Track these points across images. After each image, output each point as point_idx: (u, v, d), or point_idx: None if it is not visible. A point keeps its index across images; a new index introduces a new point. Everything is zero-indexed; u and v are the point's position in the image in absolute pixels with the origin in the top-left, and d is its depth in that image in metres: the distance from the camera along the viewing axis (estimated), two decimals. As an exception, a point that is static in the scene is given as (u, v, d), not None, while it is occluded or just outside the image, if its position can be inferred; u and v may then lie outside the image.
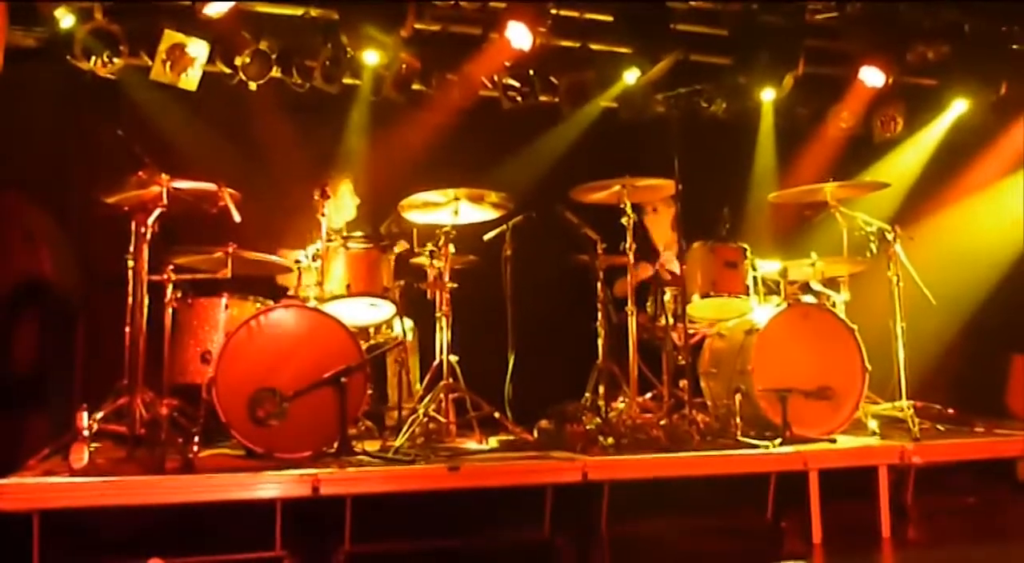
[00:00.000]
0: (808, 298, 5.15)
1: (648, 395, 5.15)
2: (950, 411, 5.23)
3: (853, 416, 4.80)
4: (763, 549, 4.07)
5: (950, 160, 6.83)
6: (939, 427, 5.01)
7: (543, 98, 6.34)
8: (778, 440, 4.43)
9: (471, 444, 4.64)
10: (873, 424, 4.88)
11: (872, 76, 6.41)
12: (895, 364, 5.00)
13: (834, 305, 5.15)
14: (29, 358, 5.13)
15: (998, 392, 6.19)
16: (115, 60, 5.44)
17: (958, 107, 6.70)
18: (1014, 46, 6.45)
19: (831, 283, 5.25)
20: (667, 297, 5.10)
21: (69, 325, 5.40)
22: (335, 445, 4.10)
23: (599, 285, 5.12)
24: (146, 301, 4.15)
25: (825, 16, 6.23)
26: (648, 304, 5.23)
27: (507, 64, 6.13)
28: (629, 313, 4.93)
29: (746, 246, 5.06)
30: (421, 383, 5.10)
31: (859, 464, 4.37)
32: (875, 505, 4.29)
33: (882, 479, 4.32)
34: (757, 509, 4.25)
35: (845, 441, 4.65)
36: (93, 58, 5.41)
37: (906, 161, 6.87)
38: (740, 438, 4.49)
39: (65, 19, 5.32)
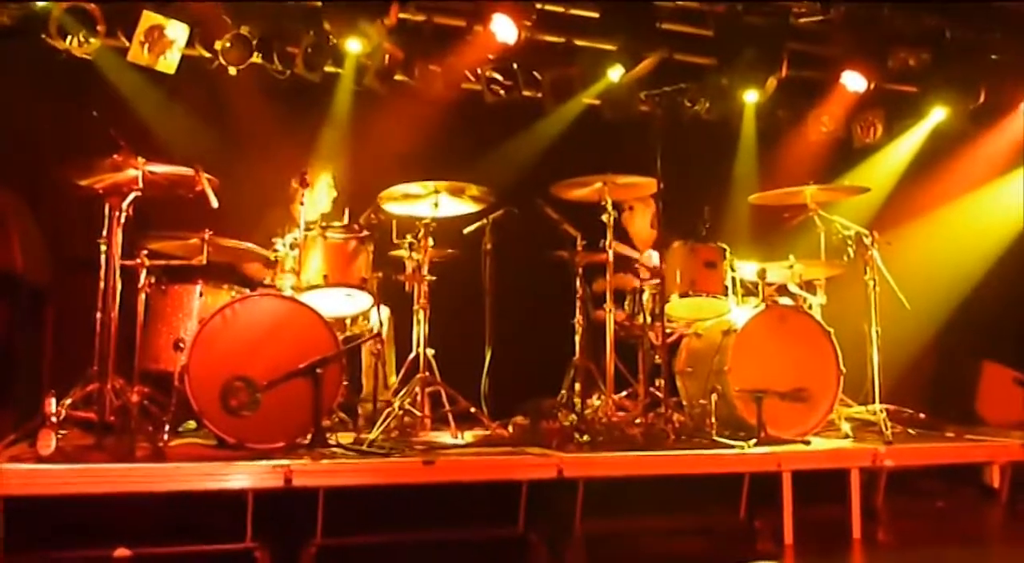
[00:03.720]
0: (785, 300, 5.17)
1: (624, 393, 5.14)
2: (922, 416, 5.28)
3: (827, 418, 4.84)
4: (736, 549, 4.08)
5: (928, 167, 6.90)
6: (911, 431, 5.06)
7: (526, 93, 6.30)
8: (752, 441, 4.44)
9: (446, 438, 4.62)
10: (846, 426, 4.92)
11: (854, 81, 6.47)
12: (869, 368, 5.04)
13: (811, 308, 5.18)
14: (-3, 343, 5.04)
15: (969, 398, 6.26)
16: (91, 40, 5.34)
17: (937, 114, 6.76)
18: (993, 55, 6.53)
19: (808, 286, 5.28)
20: (645, 296, 5.11)
21: (38, 310, 5.30)
22: (309, 436, 4.06)
23: (578, 282, 5.12)
24: (118, 286, 4.07)
25: (809, 19, 6.25)
26: (626, 302, 5.23)
27: (491, 57, 6.10)
28: (607, 310, 4.92)
29: (725, 247, 5.07)
30: (397, 376, 5.07)
31: (832, 466, 4.40)
32: (846, 507, 4.32)
33: (854, 481, 4.36)
34: (730, 509, 4.25)
35: (818, 443, 4.68)
36: (69, 37, 5.31)
37: (885, 167, 6.92)
38: (715, 438, 4.51)
39: (41, -3, 5.22)
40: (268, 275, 4.62)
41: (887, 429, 4.76)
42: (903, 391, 5.54)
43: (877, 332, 5.06)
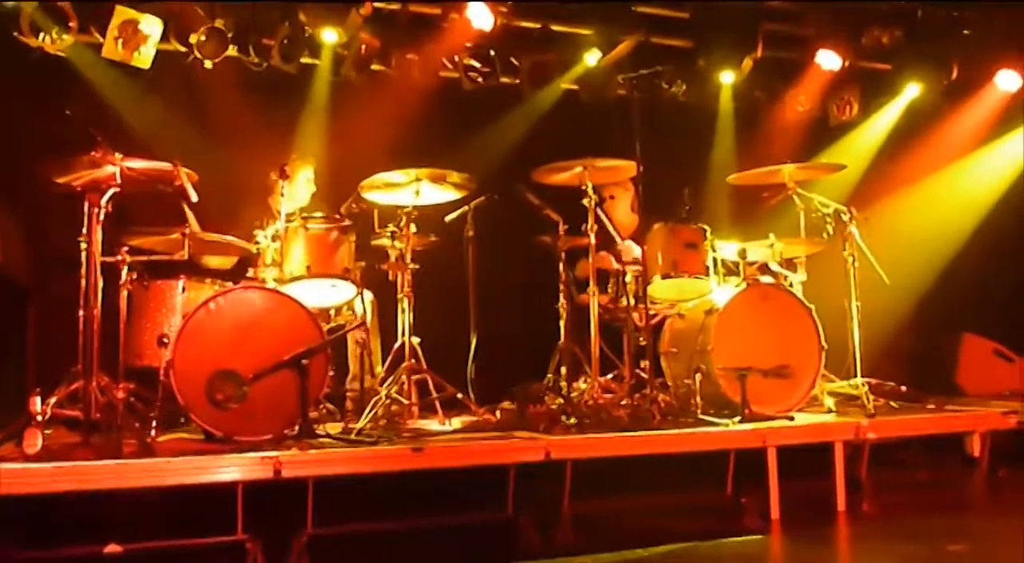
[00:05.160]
0: (766, 279, 5.21)
1: (610, 375, 5.18)
2: (903, 388, 5.35)
3: (810, 394, 4.89)
4: (723, 525, 4.13)
5: (904, 143, 6.96)
6: (892, 404, 5.13)
7: (504, 79, 6.30)
8: (737, 418, 4.50)
9: (434, 425, 4.64)
10: (829, 401, 4.98)
11: (828, 60, 6.52)
12: (850, 343, 5.11)
13: (791, 285, 5.23)
14: (-22, 343, 5.01)
15: (949, 370, 6.34)
16: (64, 37, 5.31)
17: (911, 91, 6.81)
18: (965, 31, 6.58)
19: (789, 264, 5.32)
20: (628, 278, 5.14)
21: (20, 309, 5.28)
22: (296, 427, 4.06)
23: (561, 266, 5.14)
24: (100, 284, 4.06)
25: (783, 0, 6.28)
26: (609, 285, 5.26)
27: (468, 45, 6.10)
28: (591, 294, 4.95)
29: (706, 227, 5.11)
30: (383, 365, 5.08)
31: (816, 440, 4.46)
32: (831, 480, 4.39)
33: (838, 455, 4.42)
34: (717, 486, 4.31)
35: (802, 418, 4.73)
36: (42, 34, 5.26)
37: (861, 144, 6.99)
38: (700, 417, 4.55)
39: (12, -6, 5.17)
40: (248, 268, 4.60)
41: (869, 402, 4.83)
42: (884, 365, 5.62)
43: (857, 307, 5.12)
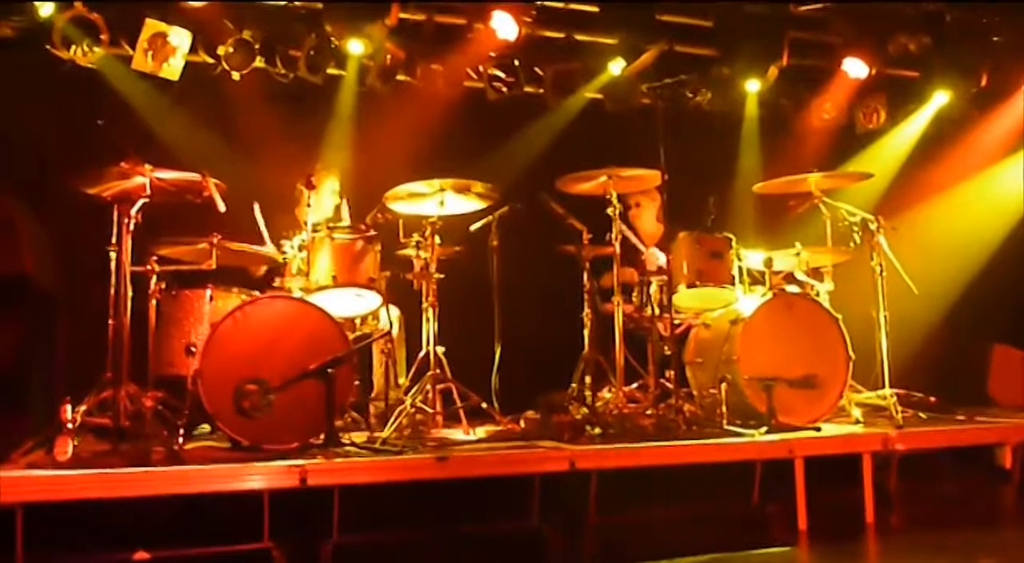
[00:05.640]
0: (792, 288, 5.18)
1: (634, 385, 5.16)
2: (932, 399, 5.28)
3: (837, 404, 4.85)
4: (750, 536, 4.09)
5: (932, 151, 6.89)
6: (921, 415, 5.07)
7: (528, 89, 6.32)
8: (763, 428, 4.46)
9: (458, 434, 4.64)
10: (857, 412, 4.93)
11: (855, 67, 6.47)
12: (878, 353, 5.04)
13: (818, 295, 5.19)
14: (10, 352, 5.07)
15: (979, 380, 6.26)
16: (95, 49, 5.39)
17: (939, 99, 6.75)
18: (994, 38, 6.51)
19: (815, 273, 5.28)
20: (653, 288, 5.12)
21: (50, 318, 5.34)
22: (322, 436, 4.08)
23: (585, 275, 5.13)
24: (130, 293, 4.11)
25: (809, 8, 6.26)
26: (634, 294, 5.24)
27: (492, 55, 6.12)
28: (615, 303, 4.94)
29: (731, 236, 5.09)
30: (407, 374, 5.09)
31: (843, 451, 4.41)
32: (859, 492, 4.33)
33: (866, 466, 4.37)
34: (743, 497, 4.28)
35: (829, 429, 4.69)
36: (73, 47, 5.35)
37: (889, 152, 6.92)
38: (726, 427, 4.52)
39: (44, 7, 5.25)
40: (275, 278, 4.65)
41: (898, 413, 4.77)
42: (913, 375, 5.55)
43: (885, 317, 5.06)
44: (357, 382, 4.44)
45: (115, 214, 4.11)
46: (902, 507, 4.41)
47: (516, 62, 6.21)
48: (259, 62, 5.71)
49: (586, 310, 5.12)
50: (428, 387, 4.72)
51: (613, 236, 4.93)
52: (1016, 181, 6.81)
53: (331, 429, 4.07)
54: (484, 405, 4.78)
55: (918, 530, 4.32)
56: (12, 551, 3.37)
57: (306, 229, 4.58)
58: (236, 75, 5.66)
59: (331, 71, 5.90)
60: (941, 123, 6.85)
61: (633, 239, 5.66)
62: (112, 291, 4.13)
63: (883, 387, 5.00)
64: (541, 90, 6.36)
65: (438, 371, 4.77)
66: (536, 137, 6.40)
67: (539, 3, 5.91)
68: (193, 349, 4.17)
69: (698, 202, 5.17)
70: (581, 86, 6.39)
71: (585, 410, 4.74)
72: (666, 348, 4.99)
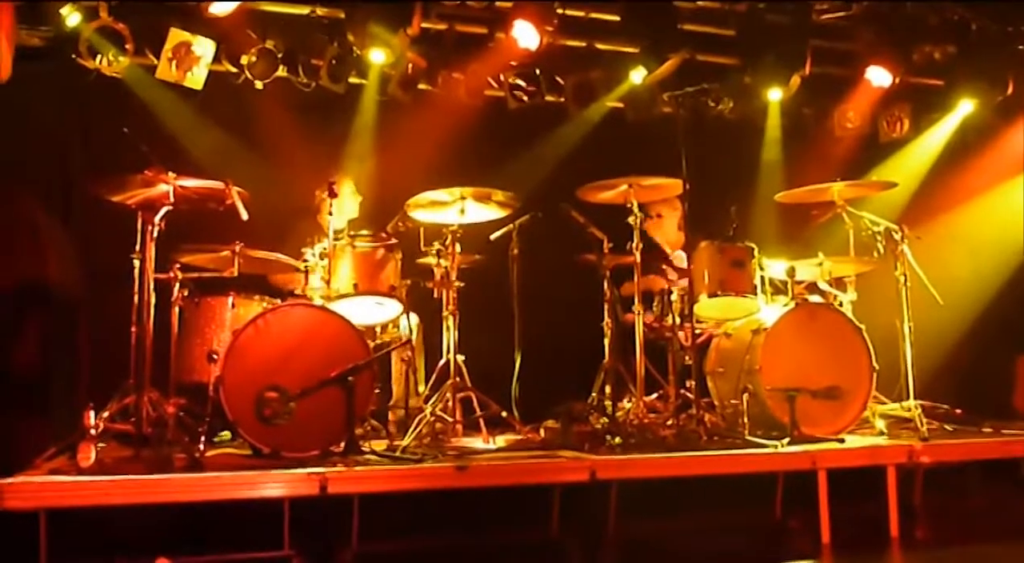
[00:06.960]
0: (815, 298, 5.14)
1: (655, 395, 5.13)
2: (957, 411, 5.22)
3: (861, 416, 4.80)
4: (771, 548, 4.05)
5: (957, 160, 6.83)
6: (947, 427, 5.01)
7: (549, 98, 6.33)
8: (786, 439, 4.41)
9: (478, 443, 4.63)
10: (881, 424, 4.87)
11: (878, 76, 6.42)
12: (902, 364, 4.99)
13: (841, 305, 5.14)
14: (33, 358, 5.12)
15: (1005, 392, 6.17)
16: (121, 59, 5.45)
17: (964, 107, 6.69)
18: (1020, 46, 6.45)
19: (838, 283, 5.24)
20: (674, 297, 5.10)
21: (74, 324, 5.39)
22: (342, 444, 4.08)
23: (605, 284, 5.12)
24: (152, 300, 4.14)
25: (832, 16, 6.22)
26: (655, 304, 5.22)
27: (513, 63, 6.13)
28: (636, 313, 4.92)
29: (753, 246, 5.05)
30: (427, 382, 5.09)
31: (867, 464, 4.35)
32: (883, 505, 4.28)
33: (890, 479, 4.30)
34: (765, 508, 4.24)
35: (853, 441, 4.64)
36: (99, 56, 5.42)
37: (913, 161, 6.86)
38: (748, 438, 4.48)
39: (71, 17, 5.32)
40: (298, 285, 4.66)
41: (922, 425, 4.70)
42: (938, 387, 5.49)
43: (910, 328, 5.00)
44: (377, 390, 4.44)
45: (139, 222, 4.15)
46: (927, 521, 4.35)
47: (537, 71, 6.22)
48: (282, 71, 5.76)
49: (606, 319, 5.10)
50: (448, 395, 4.72)
51: (634, 245, 4.91)
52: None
53: (351, 437, 4.08)
54: (504, 414, 4.78)
55: (943, 544, 4.26)
56: (36, 556, 3.39)
57: (328, 236, 4.60)
58: (259, 84, 5.71)
59: (353, 80, 5.94)
60: (966, 132, 6.79)
61: (657, 239, 5.64)
62: (135, 298, 4.17)
63: (908, 399, 4.94)
64: (562, 99, 6.37)
65: (458, 379, 4.77)
66: (557, 146, 6.40)
67: (560, 12, 5.91)
68: (215, 356, 4.19)
69: (720, 211, 5.14)
70: (602, 95, 6.38)
71: (605, 420, 4.72)
72: (687, 358, 4.96)
